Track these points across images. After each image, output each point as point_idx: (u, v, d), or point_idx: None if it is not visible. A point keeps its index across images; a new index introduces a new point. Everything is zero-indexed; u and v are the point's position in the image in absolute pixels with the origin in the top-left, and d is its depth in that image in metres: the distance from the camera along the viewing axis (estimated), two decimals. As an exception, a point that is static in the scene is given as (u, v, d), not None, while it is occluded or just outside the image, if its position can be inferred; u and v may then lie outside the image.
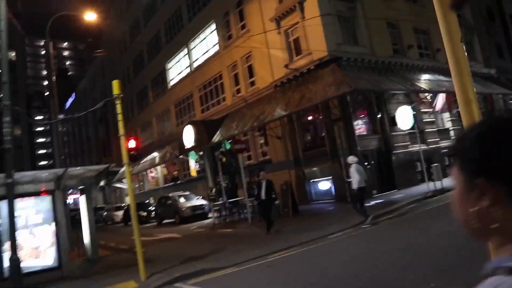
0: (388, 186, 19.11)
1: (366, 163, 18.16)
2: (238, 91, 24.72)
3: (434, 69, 23.13)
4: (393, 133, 20.01)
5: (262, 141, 23.53)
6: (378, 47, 20.77)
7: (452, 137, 23.70)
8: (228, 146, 23.71)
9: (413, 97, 21.46)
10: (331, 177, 18.96)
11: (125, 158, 9.70)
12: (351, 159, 12.94)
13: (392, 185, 19.15)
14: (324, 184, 19.59)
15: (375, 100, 19.91)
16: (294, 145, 20.70)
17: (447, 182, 16.88)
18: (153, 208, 27.56)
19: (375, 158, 19.33)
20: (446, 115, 23.88)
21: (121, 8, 42.28)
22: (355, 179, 12.31)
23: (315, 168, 19.75)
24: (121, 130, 9.62)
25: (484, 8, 32.69)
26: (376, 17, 21.11)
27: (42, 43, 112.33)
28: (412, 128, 20.88)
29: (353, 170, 12.48)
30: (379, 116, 19.90)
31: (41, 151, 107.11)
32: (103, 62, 50.21)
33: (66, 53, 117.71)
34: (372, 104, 19.91)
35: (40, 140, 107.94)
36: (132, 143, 9.80)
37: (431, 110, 20.68)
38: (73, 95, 68.07)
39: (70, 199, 76.76)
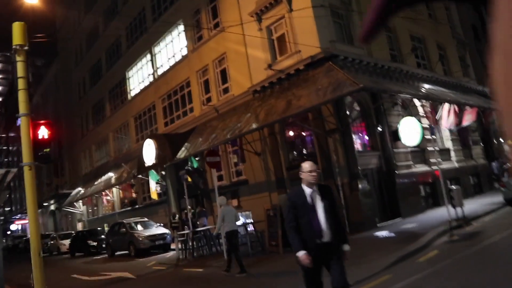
0: (391, 214, 15.71)
1: (363, 185, 14.74)
2: (209, 99, 21.06)
3: (433, 80, 20.35)
4: (395, 150, 16.77)
5: (235, 159, 19.81)
6: (376, 50, 17.73)
7: (453, 159, 20.77)
8: (195, 164, 19.87)
9: (412, 109, 18.45)
10: (323, 201, 15.36)
11: (26, 155, 5.85)
12: (221, 200, 11.02)
13: (395, 212, 15.76)
14: (314, 211, 15.97)
15: (374, 111, 16.69)
16: (276, 162, 17.10)
17: (466, 208, 13.69)
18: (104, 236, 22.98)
19: (374, 179, 15.94)
20: (446, 134, 21.00)
21: (78, 13, 38.18)
22: (225, 223, 10.31)
23: (302, 191, 16.13)
24: (22, 107, 5.81)
25: (470, 27, 30.79)
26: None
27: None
28: (414, 146, 17.90)
29: (221, 213, 10.51)
30: (379, 129, 16.65)
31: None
32: (57, 75, 45.56)
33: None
34: (370, 115, 16.67)
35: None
36: (43, 132, 5.96)
37: (433, 125, 17.58)
38: (25, 111, 62.23)
39: (16, 225, 69.80)
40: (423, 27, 22.21)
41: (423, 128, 16.47)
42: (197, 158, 20.12)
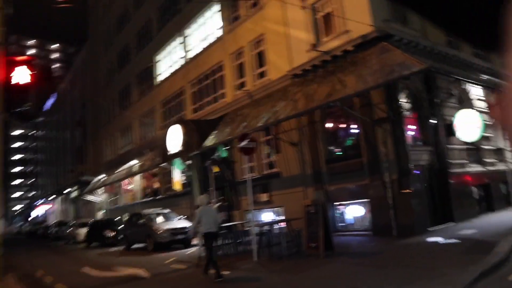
0: (443, 217, 13.93)
1: (415, 184, 13.01)
2: (242, 84, 19.60)
3: (490, 72, 18.34)
4: (449, 146, 14.96)
5: (267, 150, 18.32)
6: (432, 33, 15.93)
7: (510, 160, 18.74)
8: (224, 154, 18.47)
9: (467, 102, 16.56)
10: (367, 199, 13.73)
11: None
12: (202, 200, 10.39)
13: (447, 215, 13.97)
14: (356, 209, 14.34)
15: (428, 102, 14.91)
16: (314, 154, 15.52)
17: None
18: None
19: (425, 177, 14.17)
20: (500, 132, 18.97)
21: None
22: (203, 224, 9.85)
23: (343, 187, 14.53)
24: None
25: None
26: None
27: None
28: (469, 143, 16.05)
29: (199, 213, 9.98)
30: (432, 122, 14.86)
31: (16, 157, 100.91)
32: (86, 60, 44.98)
33: (56, 55, 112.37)
34: (423, 106, 14.90)
35: (16, 145, 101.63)
36: (21, 74, 4.55)
37: (497, 120, 15.63)
38: (55, 95, 62.21)
39: (37, 211, 70.12)
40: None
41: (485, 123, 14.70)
42: (226, 148, 18.73)
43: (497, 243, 9.19)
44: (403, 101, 13.82)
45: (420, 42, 14.34)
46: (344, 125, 15.25)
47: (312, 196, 14.83)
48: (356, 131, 14.50)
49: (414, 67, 10.66)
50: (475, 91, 16.59)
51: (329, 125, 15.63)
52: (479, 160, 16.77)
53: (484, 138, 16.90)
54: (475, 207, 15.33)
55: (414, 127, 14.78)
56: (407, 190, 12.52)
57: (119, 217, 27.19)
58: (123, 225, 21.98)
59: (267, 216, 18.01)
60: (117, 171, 32.48)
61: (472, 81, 12.53)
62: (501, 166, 17.90)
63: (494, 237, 10.15)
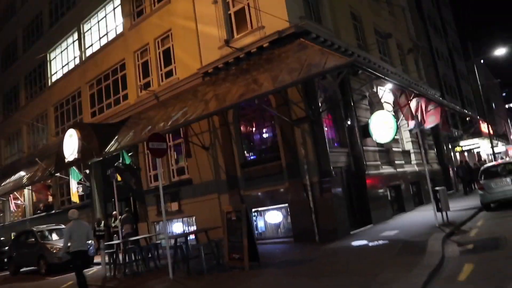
0: (362, 220, 13.65)
1: (337, 186, 12.51)
2: (147, 84, 17.90)
3: (395, 77, 18.85)
4: (364, 148, 14.81)
5: (176, 156, 16.84)
6: (344, 34, 15.83)
7: (414, 161, 19.36)
8: (128, 160, 16.60)
9: (378, 105, 16.72)
10: (287, 204, 12.95)
11: None
12: (72, 214, 9.30)
13: (367, 218, 13.73)
14: (276, 215, 13.48)
15: (343, 103, 14.65)
16: (228, 158, 14.41)
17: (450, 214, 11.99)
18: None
19: (344, 179, 13.80)
20: (406, 135, 19.58)
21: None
22: (72, 241, 8.96)
23: (261, 192, 13.61)
24: None
25: (423, 32, 30.31)
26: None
27: None
28: (380, 144, 16.15)
29: (68, 229, 9.08)
30: (348, 123, 14.61)
31: None
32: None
33: None
34: (339, 107, 14.60)
35: None
36: None
37: (409, 121, 15.85)
38: None
39: None
40: (385, 22, 20.89)
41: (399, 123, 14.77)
42: (130, 154, 16.90)
43: (426, 242, 8.82)
44: (321, 101, 13.32)
45: (335, 41, 14.02)
46: (261, 127, 14.37)
47: (227, 203, 13.71)
48: (274, 132, 13.71)
49: (338, 61, 10.07)
50: (385, 94, 16.80)
51: (244, 126, 14.67)
52: (390, 162, 16.97)
53: (393, 141, 17.17)
54: (389, 208, 15.36)
55: (330, 128, 14.41)
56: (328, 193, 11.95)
57: (3, 238, 23.55)
58: (7, 247, 18.84)
59: (177, 226, 16.51)
60: (2, 184, 28.46)
61: (391, 81, 12.34)
62: (408, 168, 18.38)
63: (419, 237, 9.88)
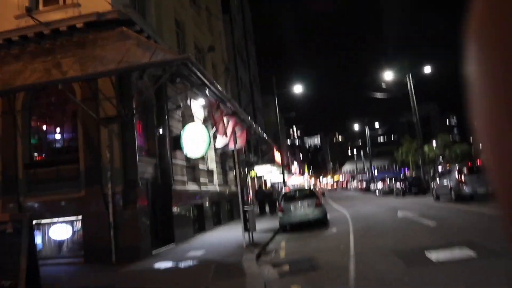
0: (164, 239, 12.48)
1: (143, 198, 11.14)
2: None
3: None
4: (173, 161, 13.83)
5: None
6: (167, 37, 14.81)
7: (216, 182, 19.31)
8: None
9: (189, 118, 16.10)
10: (80, 216, 10.86)
11: None
12: None
13: (169, 236, 12.63)
14: (62, 229, 11.16)
15: (156, 109, 13.47)
16: (8, 154, 11.49)
17: (257, 235, 11.95)
18: None
19: (149, 193, 12.48)
20: (212, 154, 19.46)
21: None
22: None
23: (48, 200, 11.13)
24: None
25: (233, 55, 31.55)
26: (167, 1, 15.38)
27: None
28: (188, 160, 15.53)
29: None
30: (160, 131, 13.44)
31: None
32: None
33: None
34: (151, 113, 13.34)
35: None
36: None
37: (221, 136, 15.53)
38: None
39: None
40: (205, 38, 20.73)
41: (211, 139, 14.31)
42: None
43: (240, 264, 8.24)
44: (135, 103, 11.86)
45: (159, 41, 12.85)
46: (58, 121, 11.97)
47: (1, 211, 10.78)
48: (75, 130, 11.54)
49: (169, 56, 8.94)
50: (198, 108, 16.33)
51: (36, 119, 12.01)
52: (195, 179, 16.39)
53: (200, 158, 16.72)
54: (191, 227, 14.64)
55: (140, 135, 13.00)
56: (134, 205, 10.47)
57: None
58: None
59: None
60: None
61: (215, 89, 11.79)
62: (211, 187, 18.16)
63: (229, 257, 9.31)
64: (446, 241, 8.15)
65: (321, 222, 14.41)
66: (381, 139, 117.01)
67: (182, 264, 8.98)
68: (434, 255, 6.94)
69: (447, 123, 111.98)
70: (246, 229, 11.28)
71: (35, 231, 11.23)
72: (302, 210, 14.00)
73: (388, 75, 32.27)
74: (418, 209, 15.89)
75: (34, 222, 11.03)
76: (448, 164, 35.85)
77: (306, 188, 16.21)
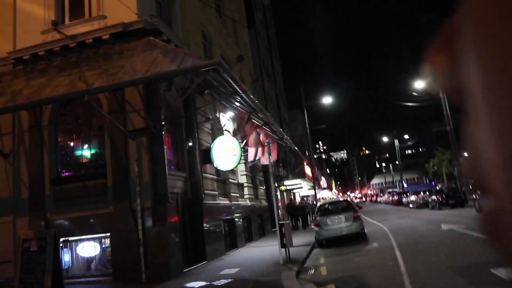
0: (195, 256, 11.90)
1: (174, 214, 10.61)
2: None
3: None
4: (203, 175, 13.33)
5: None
6: (194, 49, 14.47)
7: (247, 196, 18.70)
8: None
9: (218, 132, 15.62)
10: (109, 233, 10.41)
11: None
12: None
13: (201, 254, 12.04)
14: (91, 247, 10.73)
15: (185, 121, 13.05)
16: (35, 170, 11.22)
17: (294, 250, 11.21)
18: None
19: (179, 208, 11.97)
20: (241, 168, 18.88)
21: None
22: None
23: (76, 216, 10.74)
24: None
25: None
26: (193, 14, 15.09)
27: None
28: (218, 173, 15.03)
29: None
30: (189, 144, 12.99)
31: None
32: None
33: None
34: (180, 126, 12.92)
35: None
36: None
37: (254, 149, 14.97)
38: None
39: None
40: (231, 51, 20.42)
41: (242, 152, 13.74)
42: None
43: (279, 282, 7.57)
44: (164, 114, 11.45)
45: (188, 52, 12.47)
46: (85, 135, 11.65)
47: (26, 229, 10.43)
48: (102, 144, 11.18)
49: (199, 61, 8.50)
50: (227, 121, 15.88)
51: (62, 133, 11.74)
52: (226, 193, 15.84)
53: (231, 171, 16.19)
54: (223, 243, 14.02)
55: (169, 148, 12.56)
56: (164, 222, 9.95)
57: None
58: None
59: None
60: None
61: (247, 97, 11.29)
62: (241, 201, 17.56)
63: (267, 276, 8.66)
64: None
65: (359, 237, 13.58)
66: (409, 151, 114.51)
67: (216, 284, 8.36)
68: (504, 273, 6.10)
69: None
70: (282, 245, 10.60)
71: (63, 248, 10.90)
72: (339, 224, 13.21)
73: (419, 84, 31.24)
74: (463, 222, 14.83)
75: (61, 239, 10.71)
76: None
77: (342, 200, 15.38)
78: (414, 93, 31.45)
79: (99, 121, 11.18)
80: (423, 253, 9.40)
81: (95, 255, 10.68)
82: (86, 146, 11.60)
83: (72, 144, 11.88)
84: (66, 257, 10.95)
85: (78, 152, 11.73)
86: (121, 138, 10.57)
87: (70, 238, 10.84)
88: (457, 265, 7.30)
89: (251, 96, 11.85)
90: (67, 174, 11.52)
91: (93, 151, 11.50)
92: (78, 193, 10.82)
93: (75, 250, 10.81)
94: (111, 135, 10.75)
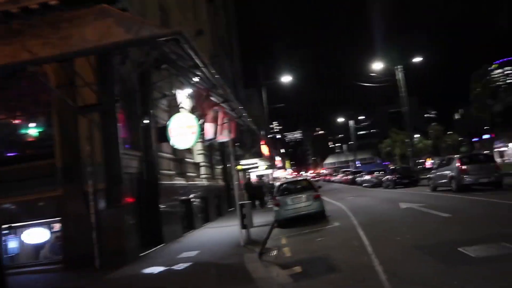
0: (151, 239, 11.37)
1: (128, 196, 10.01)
2: None
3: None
4: (159, 154, 12.72)
5: None
6: (151, 13, 13.66)
7: (204, 175, 18.23)
8: None
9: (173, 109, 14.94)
10: (58, 218, 9.68)
11: None
12: None
13: (157, 237, 11.54)
14: (39, 233, 9.94)
15: (140, 97, 12.32)
16: (-26, 150, 10.21)
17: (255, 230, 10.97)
18: None
19: (134, 189, 11.33)
20: (198, 147, 18.33)
21: None
22: None
23: (19, 201, 9.88)
24: None
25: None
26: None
27: None
28: (174, 152, 14.45)
29: None
30: (145, 122, 12.30)
31: None
32: None
33: None
34: (134, 101, 12.17)
35: None
36: None
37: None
38: None
39: None
40: (191, 27, 19.57)
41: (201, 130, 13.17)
42: None
43: (243, 265, 7.26)
44: (118, 90, 10.68)
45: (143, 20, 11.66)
46: (29, 112, 10.70)
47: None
48: (49, 121, 10.30)
49: (159, 30, 7.85)
50: (183, 96, 15.22)
51: (5, 109, 10.72)
52: (182, 173, 15.29)
53: (186, 151, 15.64)
54: (180, 225, 13.55)
55: (123, 126, 11.80)
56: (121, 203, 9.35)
57: None
58: None
59: None
60: None
61: (207, 72, 10.67)
62: (198, 181, 17.08)
63: (229, 258, 8.37)
64: (475, 235, 7.32)
65: (319, 216, 13.53)
66: (362, 132, 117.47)
67: (176, 268, 7.93)
68: (472, 252, 6.06)
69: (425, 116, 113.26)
70: (243, 226, 10.28)
71: (8, 235, 10.07)
72: (300, 204, 13.08)
73: (377, 65, 31.59)
74: (420, 201, 15.13)
75: (5, 226, 9.86)
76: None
77: (302, 179, 15.27)
78: (372, 74, 31.83)
79: (46, 96, 10.24)
80: (387, 233, 9.38)
81: (44, 242, 9.92)
82: (31, 124, 10.66)
83: (15, 121, 10.89)
84: (12, 244, 10.14)
85: (23, 131, 10.77)
86: (70, 115, 9.74)
87: (16, 224, 10.00)
88: (424, 244, 7.26)
89: (213, 71, 11.27)
90: (10, 154, 10.57)
91: (39, 129, 10.59)
92: (23, 175, 9.91)
93: (21, 238, 9.99)
94: (60, 112, 9.90)
